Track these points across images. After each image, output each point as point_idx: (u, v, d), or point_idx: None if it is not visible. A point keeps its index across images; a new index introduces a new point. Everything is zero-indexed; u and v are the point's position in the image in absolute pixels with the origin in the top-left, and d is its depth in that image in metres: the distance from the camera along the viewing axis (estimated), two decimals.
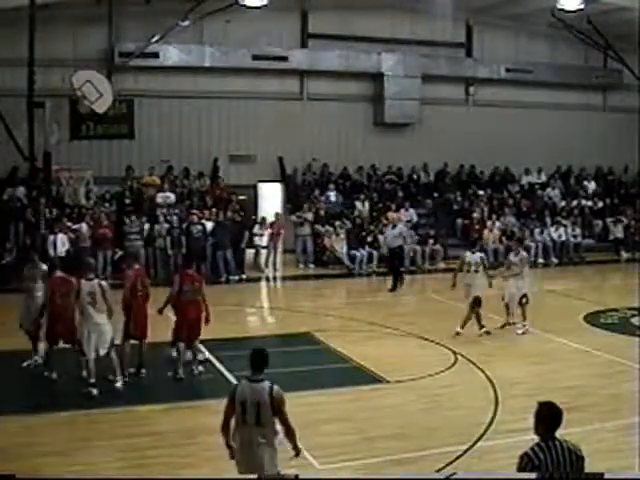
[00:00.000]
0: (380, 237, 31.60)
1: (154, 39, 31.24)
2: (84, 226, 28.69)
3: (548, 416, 7.81)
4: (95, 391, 14.95)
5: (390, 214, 32.82)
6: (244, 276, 29.22)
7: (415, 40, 37.10)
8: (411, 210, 34.24)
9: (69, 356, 16.07)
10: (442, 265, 32.10)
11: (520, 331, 20.41)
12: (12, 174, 31.25)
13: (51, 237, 27.29)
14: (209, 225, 29.82)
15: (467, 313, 19.88)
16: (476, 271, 20.06)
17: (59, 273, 16.67)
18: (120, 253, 28.93)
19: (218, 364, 17.36)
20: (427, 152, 37.31)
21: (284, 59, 35.46)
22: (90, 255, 27.51)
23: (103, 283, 15.50)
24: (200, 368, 16.78)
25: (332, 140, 36.47)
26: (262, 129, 35.60)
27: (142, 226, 29.49)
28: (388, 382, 16.15)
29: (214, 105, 35.20)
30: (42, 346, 17.01)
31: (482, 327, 20.01)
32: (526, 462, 7.65)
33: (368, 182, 36.77)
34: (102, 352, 15.24)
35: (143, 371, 16.70)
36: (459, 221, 35.55)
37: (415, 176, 37.66)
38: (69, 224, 28.51)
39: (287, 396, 14.81)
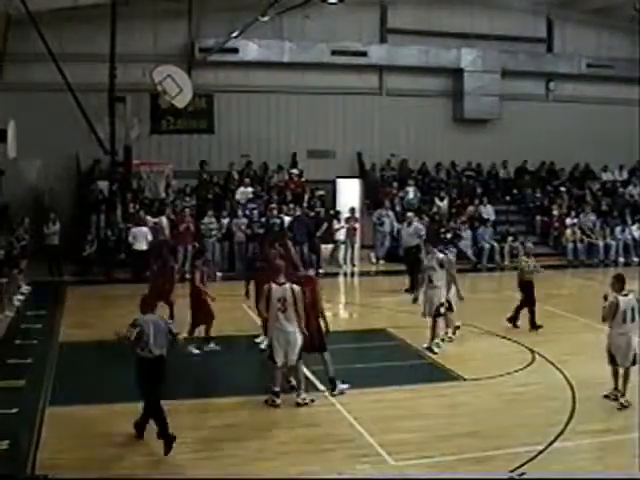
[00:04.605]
0: (462, 234, 31.49)
1: (234, 34, 31.45)
2: (164, 220, 28.97)
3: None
4: (278, 401, 14.35)
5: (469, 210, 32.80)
6: (321, 271, 29.06)
7: (495, 35, 36.93)
8: (489, 207, 34.00)
9: None
10: None
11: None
12: (93, 167, 31.71)
13: (133, 230, 27.71)
14: (287, 219, 29.97)
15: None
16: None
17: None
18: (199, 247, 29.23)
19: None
20: (506, 148, 37.00)
21: (363, 54, 35.48)
22: (171, 249, 28.05)
23: (295, 288, 14.49)
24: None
25: (411, 136, 36.38)
26: (341, 124, 35.74)
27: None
28: (465, 380, 16.05)
29: (293, 100, 35.34)
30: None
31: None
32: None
33: (447, 178, 36.62)
34: (291, 362, 14.56)
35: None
36: (538, 218, 35.21)
37: (494, 172, 37.41)
38: (149, 217, 28.82)
39: (363, 392, 14.99)
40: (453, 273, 19.17)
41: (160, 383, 12.57)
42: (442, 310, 18.30)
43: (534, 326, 20.16)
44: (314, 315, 14.90)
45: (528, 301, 20.34)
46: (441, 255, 18.93)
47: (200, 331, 18.07)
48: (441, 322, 18.62)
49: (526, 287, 20.45)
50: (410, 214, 28.94)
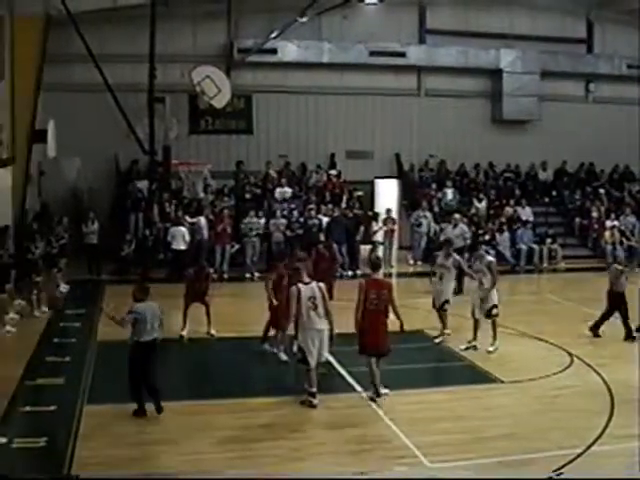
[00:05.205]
0: (498, 236, 31.26)
1: (272, 35, 31.52)
2: (202, 220, 29.04)
3: None
4: (316, 401, 14.35)
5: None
6: (359, 272, 28.94)
7: (534, 36, 36.70)
8: (528, 208, 33.79)
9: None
10: (562, 265, 31.66)
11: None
12: (131, 167, 31.87)
13: (171, 230, 27.86)
14: (325, 220, 29.95)
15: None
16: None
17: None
18: (237, 247, 29.25)
19: (331, 359, 17.39)
20: (545, 150, 36.77)
21: (402, 55, 35.35)
22: (209, 249, 28.13)
23: (322, 285, 14.76)
24: None
25: (449, 137, 36.27)
26: (379, 125, 35.73)
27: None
28: (502, 382, 15.98)
29: (331, 101, 35.33)
30: None
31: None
32: None
33: (485, 179, 36.45)
34: (323, 360, 14.79)
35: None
36: (577, 220, 34.96)
37: (533, 174, 37.20)
38: (187, 217, 28.92)
39: (400, 393, 14.95)
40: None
41: (152, 364, 13.68)
42: (495, 312, 18.39)
43: (630, 336, 19.60)
44: (385, 319, 15.09)
45: (622, 313, 19.69)
46: (489, 258, 19.16)
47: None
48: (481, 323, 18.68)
49: (618, 299, 19.76)
50: (457, 216, 28.71)
